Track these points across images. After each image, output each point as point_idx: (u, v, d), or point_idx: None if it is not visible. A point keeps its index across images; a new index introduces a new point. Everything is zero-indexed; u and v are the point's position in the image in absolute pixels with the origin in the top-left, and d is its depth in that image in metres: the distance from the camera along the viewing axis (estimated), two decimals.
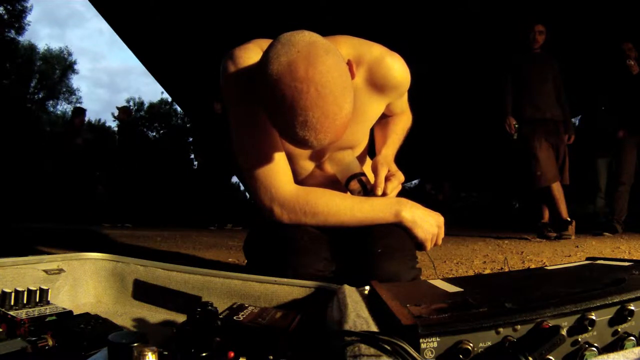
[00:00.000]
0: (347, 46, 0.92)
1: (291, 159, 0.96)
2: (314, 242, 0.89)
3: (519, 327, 0.43)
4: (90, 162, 5.78)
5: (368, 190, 0.96)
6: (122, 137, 5.82)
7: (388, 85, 0.94)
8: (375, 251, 0.87)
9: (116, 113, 5.90)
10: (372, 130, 1.09)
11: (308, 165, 1.01)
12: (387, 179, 0.97)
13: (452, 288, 0.59)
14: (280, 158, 0.91)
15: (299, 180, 1.00)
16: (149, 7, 5.05)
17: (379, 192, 0.94)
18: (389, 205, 0.92)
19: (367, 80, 0.93)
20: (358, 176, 0.96)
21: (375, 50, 0.93)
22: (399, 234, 0.92)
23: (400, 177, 0.99)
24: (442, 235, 0.98)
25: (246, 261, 1.03)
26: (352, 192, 0.97)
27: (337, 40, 0.91)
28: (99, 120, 21.02)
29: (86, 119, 6.11)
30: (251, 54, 0.88)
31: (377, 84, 0.94)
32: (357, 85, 0.89)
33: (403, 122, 1.14)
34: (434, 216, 0.97)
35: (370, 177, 1.00)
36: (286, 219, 0.91)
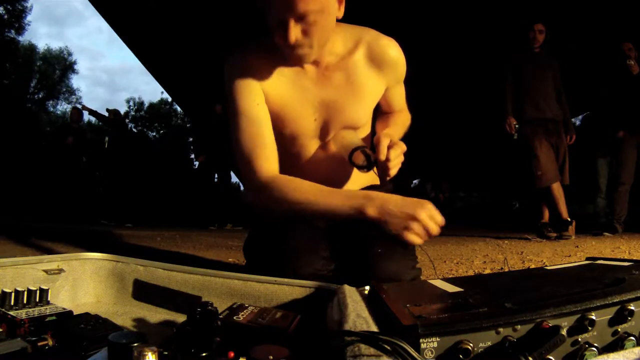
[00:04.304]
0: (348, 29, 0.97)
1: (295, 139, 0.98)
2: (313, 241, 0.89)
3: (519, 327, 0.43)
4: (85, 161, 5.78)
5: (372, 160, 0.92)
6: (112, 138, 5.83)
7: (386, 61, 0.98)
8: (375, 251, 0.87)
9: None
10: (372, 130, 1.09)
11: (312, 145, 1.02)
12: (389, 147, 0.91)
13: (452, 288, 0.59)
14: (264, 146, 0.93)
15: (303, 162, 1.02)
16: (148, 5, 5.04)
17: (382, 157, 0.89)
18: (352, 199, 0.85)
19: (366, 57, 0.97)
20: (361, 148, 0.94)
21: (372, 32, 0.99)
22: None
23: (402, 146, 0.94)
24: (430, 225, 0.82)
25: (246, 261, 1.03)
26: (357, 164, 0.94)
27: (338, 26, 0.93)
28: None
29: (85, 118, 6.13)
30: (251, 54, 0.91)
31: (376, 60, 0.98)
32: (357, 62, 0.96)
33: (403, 119, 1.14)
34: (410, 207, 0.82)
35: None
36: (259, 204, 0.95)
